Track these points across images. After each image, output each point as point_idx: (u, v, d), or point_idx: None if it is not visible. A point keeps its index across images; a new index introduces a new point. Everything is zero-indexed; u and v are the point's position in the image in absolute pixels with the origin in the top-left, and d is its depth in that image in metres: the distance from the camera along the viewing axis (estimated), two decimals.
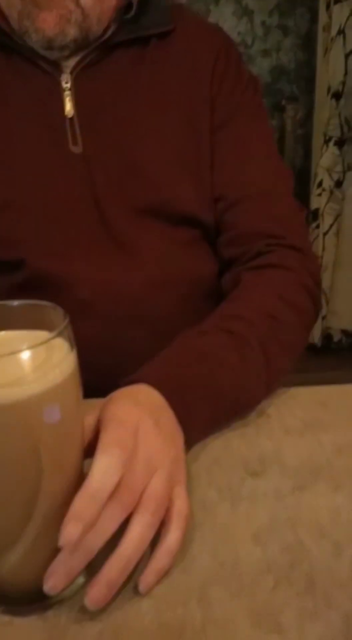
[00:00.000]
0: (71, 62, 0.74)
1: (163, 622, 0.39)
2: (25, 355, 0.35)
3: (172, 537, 0.43)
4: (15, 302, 0.39)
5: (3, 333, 0.38)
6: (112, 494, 0.40)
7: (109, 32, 0.75)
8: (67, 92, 0.74)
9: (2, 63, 0.75)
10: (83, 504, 0.38)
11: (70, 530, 0.37)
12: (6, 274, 0.73)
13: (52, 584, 0.38)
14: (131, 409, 0.47)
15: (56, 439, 0.36)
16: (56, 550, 0.39)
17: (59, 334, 0.36)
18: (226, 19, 2.20)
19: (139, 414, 0.47)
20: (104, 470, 0.40)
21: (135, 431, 0.45)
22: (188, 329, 0.63)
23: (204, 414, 0.55)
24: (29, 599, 0.40)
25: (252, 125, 0.80)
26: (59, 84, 0.74)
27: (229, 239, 0.78)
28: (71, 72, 0.74)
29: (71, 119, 0.74)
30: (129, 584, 0.41)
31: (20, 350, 0.34)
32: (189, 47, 0.79)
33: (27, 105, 0.74)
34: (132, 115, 0.76)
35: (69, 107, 0.74)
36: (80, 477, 0.40)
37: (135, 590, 0.41)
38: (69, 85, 0.74)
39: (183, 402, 0.52)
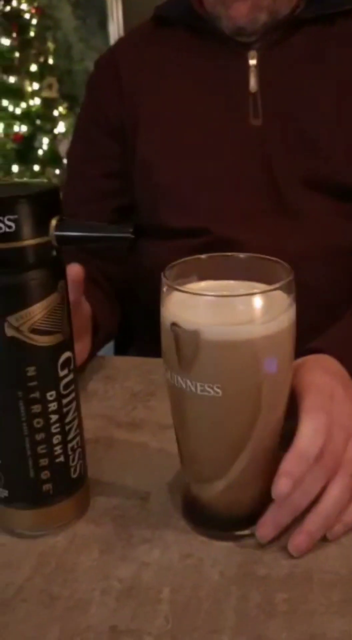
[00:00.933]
0: (259, 42, 0.78)
1: None
2: (256, 300, 0.39)
3: None
4: (242, 255, 0.44)
5: (232, 282, 0.43)
6: (317, 457, 0.42)
7: (298, 11, 0.77)
8: (252, 69, 0.77)
9: (193, 42, 0.81)
10: (293, 462, 0.41)
11: (282, 485, 0.40)
12: (189, 238, 0.78)
13: (262, 533, 0.43)
14: (325, 377, 0.50)
15: (275, 381, 0.40)
16: (256, 487, 0.43)
17: (284, 287, 0.40)
18: None
19: (332, 382, 0.49)
20: (311, 433, 0.43)
21: (332, 398, 0.47)
22: None
23: None
24: (226, 527, 0.44)
25: None
26: (245, 60, 0.78)
27: None
28: (258, 49, 0.78)
29: (254, 93, 0.78)
30: None
31: (253, 294, 0.38)
32: None
33: (214, 80, 0.79)
34: (314, 92, 0.77)
35: (253, 82, 0.78)
36: (281, 426, 0.43)
37: (323, 538, 0.44)
38: (255, 62, 0.77)
39: None
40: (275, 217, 0.78)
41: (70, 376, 0.43)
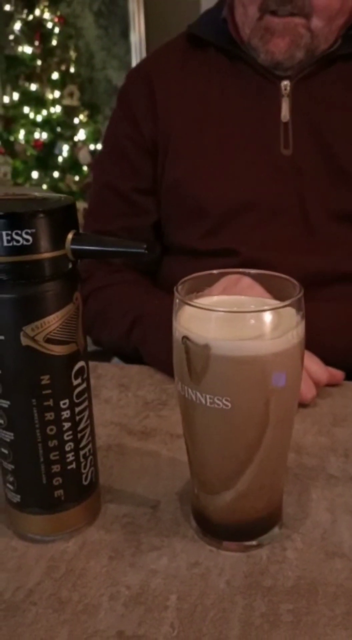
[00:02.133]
0: (292, 72, 0.78)
1: None
2: (266, 316, 0.39)
3: None
4: (253, 271, 0.44)
5: (243, 297, 0.44)
6: None
7: (334, 47, 0.77)
8: (285, 98, 0.78)
9: (227, 66, 0.82)
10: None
11: None
12: (216, 257, 0.79)
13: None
14: None
15: (283, 396, 0.41)
16: (264, 499, 0.44)
17: (294, 303, 0.40)
18: None
19: None
20: None
21: None
22: None
23: None
24: (234, 537, 0.45)
25: None
26: (278, 89, 0.78)
27: None
28: (291, 79, 0.78)
29: (286, 123, 0.78)
30: (319, 548, 0.45)
31: (263, 310, 0.39)
32: None
33: (246, 108, 0.80)
34: (345, 125, 0.78)
35: (285, 111, 0.78)
36: (289, 439, 0.44)
37: (328, 552, 0.44)
38: (288, 91, 0.78)
39: None
40: (305, 245, 0.79)
41: (83, 385, 0.44)
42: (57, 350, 0.41)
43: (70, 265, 0.40)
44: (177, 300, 0.41)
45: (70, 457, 0.44)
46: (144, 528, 0.48)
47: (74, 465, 0.45)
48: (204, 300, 0.42)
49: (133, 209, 0.88)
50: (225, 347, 0.38)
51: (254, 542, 0.45)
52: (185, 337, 0.40)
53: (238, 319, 0.40)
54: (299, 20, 0.73)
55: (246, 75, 0.80)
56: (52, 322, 0.40)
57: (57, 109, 3.18)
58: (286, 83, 0.78)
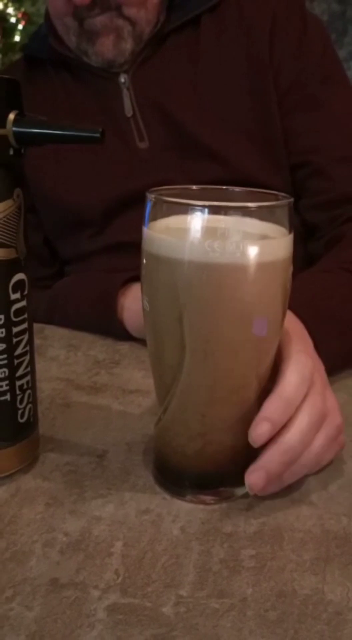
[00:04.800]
0: (126, 62, 0.76)
1: (327, 529, 0.37)
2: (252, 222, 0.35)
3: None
4: (237, 189, 0.40)
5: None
6: (306, 401, 0.38)
7: (158, 25, 0.76)
8: (125, 92, 0.77)
9: (68, 77, 0.80)
10: (277, 407, 0.37)
11: (261, 429, 0.36)
12: (115, 252, 0.79)
13: (253, 480, 0.37)
14: (298, 324, 0.46)
15: (198, 321, 0.36)
16: (230, 438, 0.39)
17: (280, 212, 0.36)
18: None
19: (304, 329, 0.46)
20: (298, 379, 0.38)
21: (309, 343, 0.44)
22: (307, 270, 0.64)
23: (333, 348, 0.52)
24: (194, 485, 0.40)
25: (327, 85, 0.76)
26: (117, 85, 0.77)
27: (317, 203, 0.76)
28: (127, 71, 0.77)
29: (134, 116, 0.77)
30: (285, 496, 0.40)
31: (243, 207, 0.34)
32: (242, 13, 0.77)
33: (94, 111, 0.79)
34: (192, 96, 0.76)
35: (128, 105, 0.77)
36: (261, 378, 0.39)
37: (294, 500, 0.40)
38: (127, 84, 0.77)
39: (316, 334, 0.50)
40: None
41: (23, 302, 0.38)
42: None
43: (11, 152, 0.35)
44: (151, 202, 0.36)
45: (3, 385, 0.38)
46: (88, 476, 0.42)
47: (7, 397, 0.39)
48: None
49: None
50: (186, 250, 0.34)
51: (214, 496, 0.39)
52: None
53: (213, 223, 0.34)
54: (113, 14, 0.72)
55: (86, 80, 0.79)
56: None
57: None
58: (123, 76, 0.77)
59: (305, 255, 0.77)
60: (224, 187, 0.40)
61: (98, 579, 0.33)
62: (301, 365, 0.39)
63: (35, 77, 0.82)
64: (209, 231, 0.34)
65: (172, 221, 0.35)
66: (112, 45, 0.74)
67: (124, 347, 0.66)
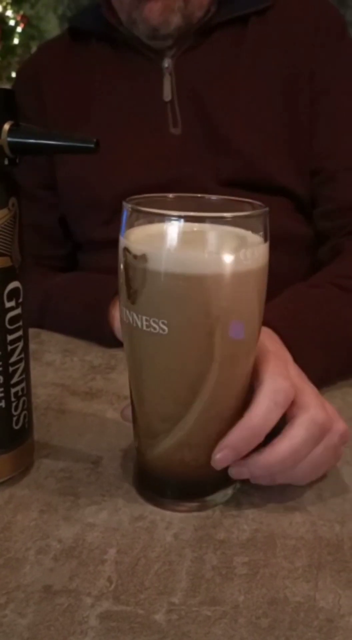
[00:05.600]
0: (173, 48, 0.77)
1: (320, 535, 0.37)
2: (217, 229, 0.35)
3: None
4: (214, 197, 0.40)
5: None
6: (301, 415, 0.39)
7: (209, 15, 0.77)
8: (167, 76, 0.77)
9: (109, 53, 0.81)
10: (241, 436, 0.38)
11: (222, 455, 0.38)
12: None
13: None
14: (278, 344, 0.46)
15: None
16: (208, 451, 0.39)
17: (253, 223, 0.36)
18: None
19: (284, 350, 0.46)
20: (266, 408, 0.38)
21: (287, 363, 0.43)
22: (298, 283, 0.63)
23: (318, 363, 0.52)
24: (175, 495, 0.40)
25: (350, 93, 0.77)
26: (160, 68, 0.77)
27: (326, 211, 0.77)
28: (172, 57, 0.77)
29: (170, 102, 0.77)
30: (278, 503, 0.40)
31: (220, 217, 0.35)
32: (288, 21, 0.78)
33: (130, 92, 0.79)
34: (228, 95, 0.77)
35: (167, 90, 0.77)
36: (242, 388, 0.39)
37: (288, 507, 0.40)
38: (170, 69, 0.77)
39: (300, 349, 0.50)
40: None
41: (18, 310, 0.38)
42: None
43: (6, 162, 0.35)
44: (127, 212, 0.37)
45: None
46: (83, 482, 0.42)
47: (2, 404, 0.39)
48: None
49: (38, 205, 0.85)
50: (162, 259, 0.34)
51: (195, 504, 0.39)
52: (125, 249, 0.35)
53: (188, 231, 0.35)
54: None
55: (127, 59, 0.80)
56: None
57: None
58: (167, 61, 0.77)
59: (312, 264, 0.76)
60: (199, 195, 0.40)
61: (91, 586, 0.33)
62: (272, 393, 0.38)
63: (76, 51, 0.83)
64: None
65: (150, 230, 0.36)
66: (159, 12, 0.74)
67: (120, 352, 0.66)
